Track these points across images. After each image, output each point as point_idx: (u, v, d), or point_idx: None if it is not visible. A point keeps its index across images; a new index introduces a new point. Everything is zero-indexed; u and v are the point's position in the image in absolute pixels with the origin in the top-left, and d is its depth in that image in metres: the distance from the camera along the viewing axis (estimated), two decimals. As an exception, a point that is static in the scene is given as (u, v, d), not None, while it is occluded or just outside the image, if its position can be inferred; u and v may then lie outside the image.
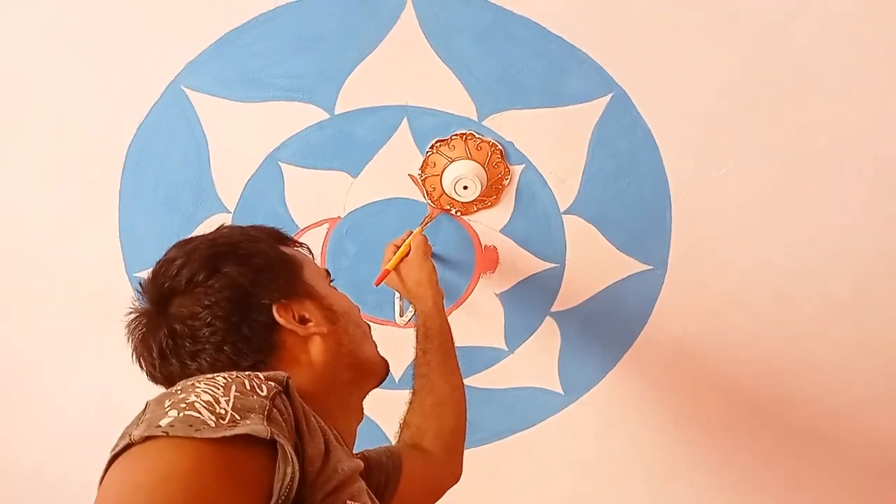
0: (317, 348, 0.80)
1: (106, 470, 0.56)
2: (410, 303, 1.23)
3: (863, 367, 1.49)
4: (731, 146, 1.23)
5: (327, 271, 0.92)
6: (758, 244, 1.33)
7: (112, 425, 1.48)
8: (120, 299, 1.34)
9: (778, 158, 1.24)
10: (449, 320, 1.35)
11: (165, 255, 0.81)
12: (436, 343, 1.13)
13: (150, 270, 0.81)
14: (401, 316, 1.32)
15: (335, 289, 0.91)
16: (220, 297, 0.76)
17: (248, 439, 0.54)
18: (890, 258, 1.34)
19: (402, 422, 1.10)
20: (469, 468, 1.64)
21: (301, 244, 0.92)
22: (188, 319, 0.76)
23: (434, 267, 1.20)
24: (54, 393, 1.51)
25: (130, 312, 0.81)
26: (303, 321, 0.80)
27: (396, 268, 1.20)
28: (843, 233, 1.31)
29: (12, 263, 1.34)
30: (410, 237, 1.22)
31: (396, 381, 1.50)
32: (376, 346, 0.92)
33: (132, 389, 1.47)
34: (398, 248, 1.21)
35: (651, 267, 1.37)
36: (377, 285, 1.21)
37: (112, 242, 1.32)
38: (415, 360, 1.14)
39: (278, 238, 0.89)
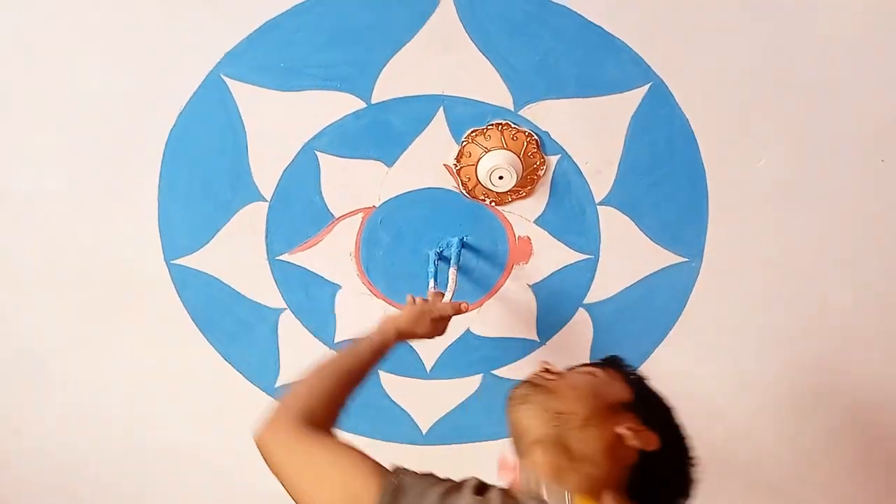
0: None
1: None
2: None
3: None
4: (770, 138, 1.22)
5: None
6: (795, 237, 1.32)
7: (135, 407, 1.50)
8: (156, 286, 1.37)
9: (817, 151, 1.22)
10: (479, 311, 1.36)
11: None
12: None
13: None
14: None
15: None
16: None
17: None
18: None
19: None
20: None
21: None
22: None
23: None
24: (82, 376, 1.54)
25: None
26: None
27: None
28: (881, 228, 1.29)
29: (52, 248, 1.36)
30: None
31: (427, 370, 1.51)
32: None
33: (157, 373, 1.50)
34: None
35: (686, 259, 1.36)
36: None
37: (151, 229, 1.34)
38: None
39: None
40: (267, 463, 0.93)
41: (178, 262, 1.38)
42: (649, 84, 1.18)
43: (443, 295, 1.25)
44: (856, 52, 1.14)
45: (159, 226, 1.34)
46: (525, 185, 1.27)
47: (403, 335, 1.15)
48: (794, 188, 1.26)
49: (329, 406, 1.00)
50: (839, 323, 1.42)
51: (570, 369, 1.04)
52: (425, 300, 1.24)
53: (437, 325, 1.21)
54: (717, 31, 1.13)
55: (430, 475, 0.86)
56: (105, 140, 1.24)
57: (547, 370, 1.04)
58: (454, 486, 0.83)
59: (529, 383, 1.01)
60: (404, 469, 0.85)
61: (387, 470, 0.84)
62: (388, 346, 1.11)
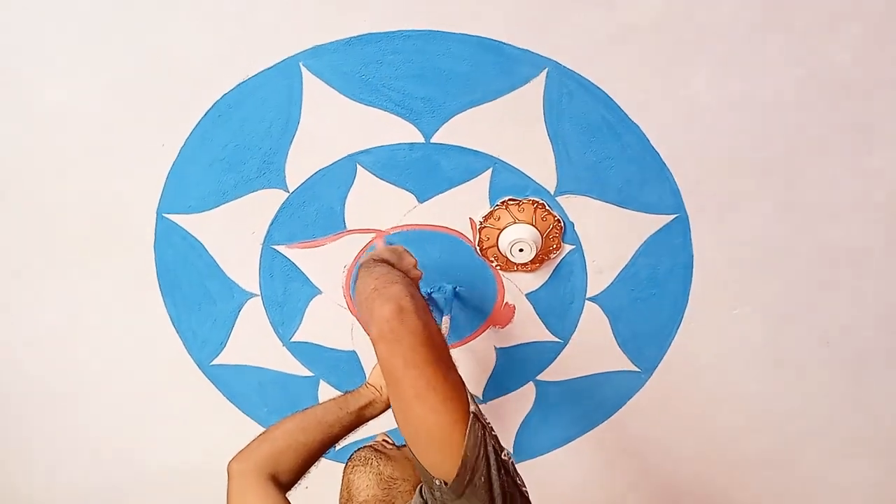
0: None
1: None
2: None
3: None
4: (756, 295, 1.36)
5: None
6: (741, 389, 1.48)
7: (67, 344, 1.42)
8: (136, 232, 1.32)
9: (789, 319, 1.38)
10: None
11: None
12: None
13: None
14: None
15: None
16: None
17: None
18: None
19: None
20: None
21: None
22: None
23: None
24: (27, 298, 1.43)
25: None
26: None
27: None
28: (824, 409, 1.49)
29: (55, 159, 1.27)
30: None
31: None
32: None
33: (100, 316, 1.43)
34: None
35: (638, 370, 1.48)
36: None
37: (158, 176, 1.28)
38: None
39: None
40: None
41: (170, 216, 1.32)
42: (675, 215, 1.29)
43: None
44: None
45: (168, 176, 1.28)
46: (534, 261, 1.34)
47: None
48: (757, 348, 1.42)
49: (300, 458, 1.08)
50: (742, 477, 1.60)
51: (404, 445, 1.15)
52: None
53: None
54: (751, 198, 1.25)
55: None
56: (153, 77, 1.18)
57: (386, 441, 1.18)
58: None
59: (371, 448, 1.12)
60: None
61: None
62: (377, 415, 1.19)
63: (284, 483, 1.06)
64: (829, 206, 1.26)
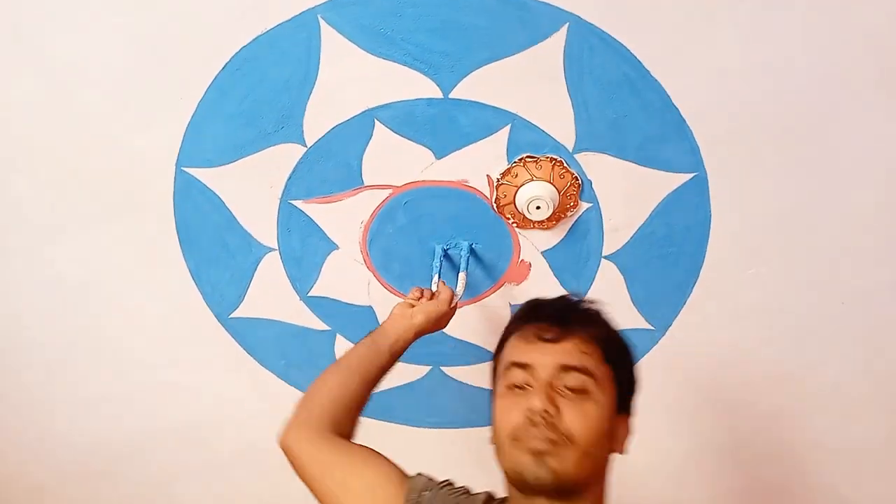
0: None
1: None
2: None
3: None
4: (772, 256, 1.36)
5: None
6: (754, 349, 1.48)
7: (88, 300, 1.45)
8: (155, 187, 1.33)
9: (804, 280, 1.38)
10: (457, 313, 1.39)
11: None
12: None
13: None
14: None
15: (511, 390, 0.91)
16: None
17: None
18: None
19: None
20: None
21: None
22: None
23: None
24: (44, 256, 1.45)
25: None
26: None
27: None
28: (832, 375, 1.50)
29: (70, 115, 1.28)
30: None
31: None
32: (524, 448, 0.84)
33: (120, 271, 1.45)
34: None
35: (652, 328, 1.49)
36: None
37: (177, 130, 1.28)
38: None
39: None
40: (291, 465, 0.99)
41: (189, 170, 1.33)
42: (694, 174, 1.28)
43: (453, 293, 1.29)
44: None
45: (186, 130, 1.29)
46: (551, 219, 1.34)
47: (420, 336, 1.20)
48: (771, 311, 1.43)
49: (351, 411, 1.07)
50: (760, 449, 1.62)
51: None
52: (434, 293, 1.28)
53: (444, 320, 1.26)
54: (771, 157, 1.24)
55: (447, 484, 0.92)
56: (170, 31, 1.18)
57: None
58: (466, 499, 0.90)
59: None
60: (427, 478, 0.93)
61: (408, 477, 0.93)
62: (406, 348, 1.18)
63: (346, 436, 1.05)
64: (849, 167, 1.25)
